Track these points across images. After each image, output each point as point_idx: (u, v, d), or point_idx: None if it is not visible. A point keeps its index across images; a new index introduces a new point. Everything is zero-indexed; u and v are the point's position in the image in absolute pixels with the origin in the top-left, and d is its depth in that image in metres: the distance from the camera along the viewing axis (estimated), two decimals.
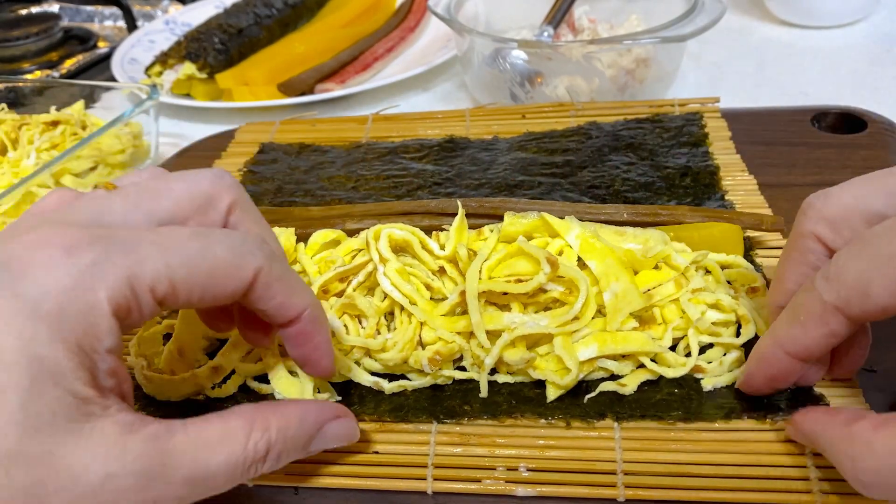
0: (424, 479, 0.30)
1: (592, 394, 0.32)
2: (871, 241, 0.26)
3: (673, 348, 0.34)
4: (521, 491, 0.29)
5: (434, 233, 0.38)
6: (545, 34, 0.66)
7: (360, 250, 0.39)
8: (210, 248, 0.26)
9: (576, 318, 0.33)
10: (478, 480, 0.30)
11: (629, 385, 0.32)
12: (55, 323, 0.23)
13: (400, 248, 0.38)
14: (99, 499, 0.22)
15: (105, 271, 0.24)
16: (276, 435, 0.27)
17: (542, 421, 0.32)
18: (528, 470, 0.30)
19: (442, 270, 0.37)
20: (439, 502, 0.30)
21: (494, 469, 0.30)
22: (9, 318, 0.22)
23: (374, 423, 0.33)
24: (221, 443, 0.25)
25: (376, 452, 0.32)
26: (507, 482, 0.30)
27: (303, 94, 0.72)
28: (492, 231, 0.38)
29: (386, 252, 0.36)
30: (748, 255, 0.39)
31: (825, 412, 0.27)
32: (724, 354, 0.33)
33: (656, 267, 0.36)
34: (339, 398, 0.34)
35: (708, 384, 0.32)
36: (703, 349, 0.34)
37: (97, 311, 0.23)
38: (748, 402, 0.31)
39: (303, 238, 0.42)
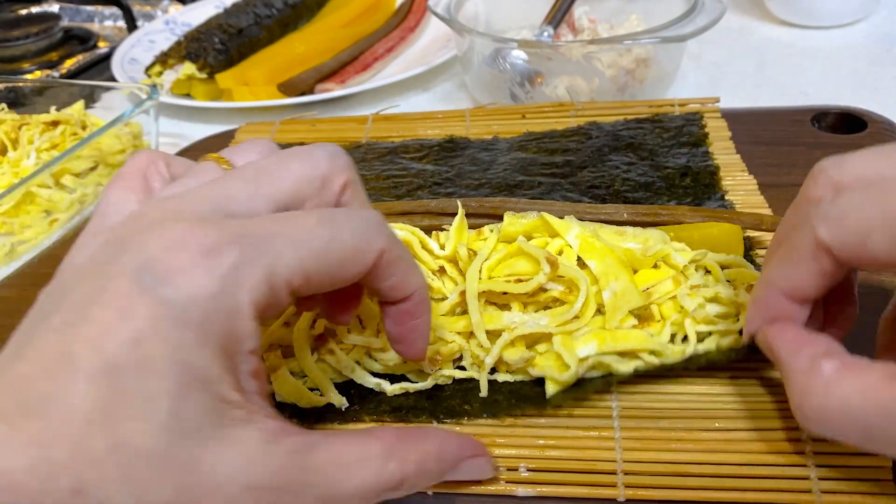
0: None
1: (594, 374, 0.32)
2: (885, 190, 0.25)
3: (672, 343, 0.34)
4: (521, 491, 0.29)
5: (434, 233, 0.38)
6: (545, 34, 0.66)
7: None
8: (338, 236, 0.26)
9: (576, 318, 0.33)
10: (477, 481, 0.30)
11: (623, 369, 0.32)
12: (201, 329, 0.23)
13: None
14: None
15: (245, 274, 0.24)
16: (412, 468, 0.26)
17: (543, 420, 0.32)
18: (528, 470, 0.30)
19: (442, 270, 0.37)
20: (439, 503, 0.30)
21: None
22: (156, 324, 0.22)
23: (374, 423, 0.33)
24: (358, 466, 0.24)
25: None
26: (507, 482, 0.30)
27: (303, 94, 0.72)
28: (492, 231, 0.38)
29: None
30: (748, 255, 0.39)
31: (799, 337, 0.27)
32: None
33: (655, 266, 0.36)
34: (346, 403, 0.34)
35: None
36: (703, 340, 0.34)
37: (240, 314, 0.24)
38: None
39: None
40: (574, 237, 0.35)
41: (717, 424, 0.31)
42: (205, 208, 0.25)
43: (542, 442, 0.31)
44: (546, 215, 0.37)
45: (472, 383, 0.34)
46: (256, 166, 0.28)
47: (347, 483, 0.24)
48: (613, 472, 0.30)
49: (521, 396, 0.33)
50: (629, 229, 0.38)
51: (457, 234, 0.37)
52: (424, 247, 0.37)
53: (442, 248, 0.37)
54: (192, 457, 0.22)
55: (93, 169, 0.60)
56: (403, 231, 0.37)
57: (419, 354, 0.31)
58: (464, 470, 0.28)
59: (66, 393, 0.21)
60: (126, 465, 0.21)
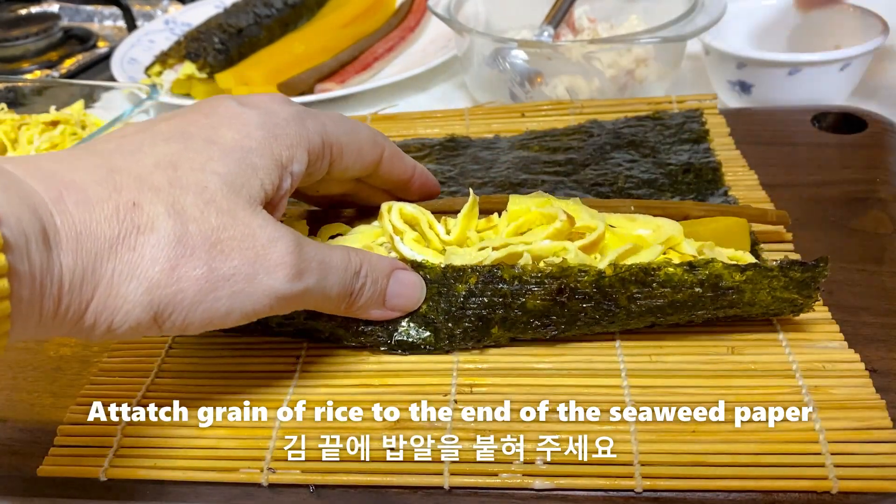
0: (441, 474, 0.30)
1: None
2: None
3: None
4: (538, 483, 0.30)
5: (443, 218, 0.39)
6: (545, 34, 0.67)
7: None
8: (358, 129, 0.36)
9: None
10: (494, 474, 0.30)
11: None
12: (272, 136, 0.31)
13: (409, 224, 0.38)
14: (265, 252, 0.29)
15: (308, 121, 0.33)
16: (363, 256, 0.33)
17: (557, 415, 0.32)
18: (545, 463, 0.30)
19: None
20: (452, 499, 0.30)
21: (511, 463, 0.30)
22: (246, 123, 0.31)
23: (386, 421, 0.33)
24: (331, 249, 0.32)
25: (392, 449, 0.32)
26: (524, 475, 0.30)
27: (303, 94, 0.72)
28: (500, 217, 0.38)
29: (399, 224, 0.37)
30: (754, 251, 0.39)
31: None
32: None
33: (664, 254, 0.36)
34: None
35: None
36: None
37: (302, 141, 0.32)
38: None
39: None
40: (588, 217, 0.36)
41: (731, 414, 0.31)
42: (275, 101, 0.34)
43: (557, 436, 0.31)
44: (552, 197, 0.37)
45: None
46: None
47: (332, 257, 0.32)
48: (630, 464, 0.30)
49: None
50: (640, 216, 0.38)
51: (465, 219, 0.37)
52: (431, 227, 0.38)
53: (448, 233, 0.38)
54: (231, 208, 0.28)
55: None
56: (414, 208, 0.38)
57: (437, 189, 0.42)
58: (403, 279, 0.35)
59: (138, 145, 0.29)
60: (178, 196, 0.27)
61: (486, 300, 0.35)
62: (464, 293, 0.35)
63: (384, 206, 0.38)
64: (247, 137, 0.30)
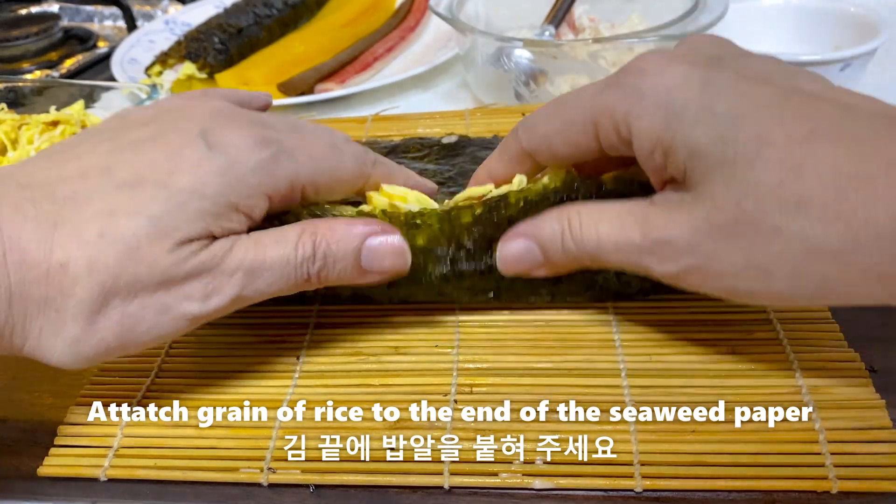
0: (441, 474, 0.30)
1: None
2: (557, 106, 0.33)
3: None
4: (538, 483, 0.30)
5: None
6: (546, 34, 0.67)
7: None
8: (342, 162, 0.34)
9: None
10: (494, 474, 0.30)
11: None
12: (230, 186, 0.30)
13: None
14: (180, 286, 0.29)
15: (279, 167, 0.31)
16: (321, 237, 0.32)
17: (556, 415, 0.32)
18: (545, 462, 0.30)
19: None
20: (452, 498, 0.30)
21: (511, 462, 0.30)
22: (207, 171, 0.29)
23: (386, 421, 0.33)
24: (276, 244, 0.31)
25: (392, 449, 0.32)
26: (524, 475, 0.30)
27: (303, 94, 0.72)
28: None
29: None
30: None
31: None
32: None
33: None
34: None
35: None
36: None
37: (263, 189, 0.31)
38: None
39: None
40: None
41: (731, 414, 0.31)
42: (251, 118, 0.33)
43: (558, 436, 0.31)
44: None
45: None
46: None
47: (267, 254, 0.31)
48: (630, 464, 0.30)
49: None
50: None
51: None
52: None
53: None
54: (156, 250, 0.28)
55: None
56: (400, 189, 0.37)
57: (433, 193, 0.38)
58: (377, 247, 0.33)
59: (90, 193, 0.29)
60: (103, 250, 0.28)
61: (492, 223, 0.35)
62: (469, 221, 0.35)
63: (368, 194, 0.37)
64: (203, 185, 0.29)
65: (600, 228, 0.31)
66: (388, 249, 0.33)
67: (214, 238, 0.30)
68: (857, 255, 0.24)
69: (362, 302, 0.39)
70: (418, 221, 0.35)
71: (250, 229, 0.32)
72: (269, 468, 0.31)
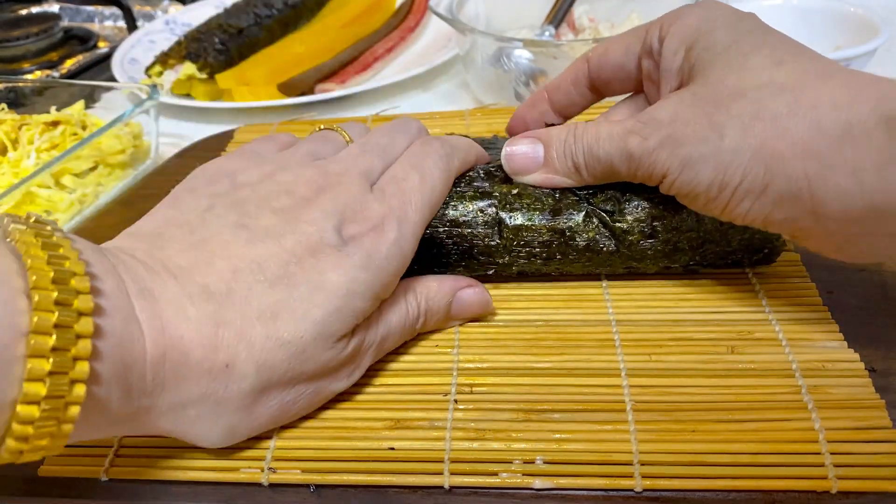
0: (441, 473, 0.30)
1: None
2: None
3: None
4: (538, 483, 0.30)
5: None
6: (546, 34, 0.67)
7: None
8: (431, 181, 0.36)
9: None
10: (494, 474, 0.30)
11: None
12: (375, 279, 0.32)
13: None
14: (331, 377, 0.33)
15: (403, 243, 0.34)
16: (421, 296, 0.36)
17: (557, 415, 0.32)
18: (545, 462, 0.30)
19: None
20: (452, 498, 0.30)
21: (511, 462, 0.30)
22: (351, 266, 0.31)
23: (387, 420, 0.33)
24: (394, 313, 0.35)
25: (392, 449, 0.32)
26: (524, 475, 0.30)
27: (303, 94, 0.72)
28: None
29: None
30: None
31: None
32: None
33: None
34: None
35: None
36: None
37: (399, 272, 0.34)
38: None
39: None
40: None
41: (729, 415, 0.31)
42: (362, 177, 0.35)
43: (558, 436, 0.31)
44: None
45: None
46: (379, 143, 0.38)
47: (392, 321, 0.35)
48: (630, 464, 0.30)
49: None
50: None
51: None
52: None
53: None
54: (317, 350, 0.31)
55: (93, 169, 0.60)
56: None
57: None
58: (465, 299, 0.37)
59: (247, 292, 0.30)
60: (270, 352, 0.29)
61: None
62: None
63: None
64: (352, 282, 0.31)
65: (600, 127, 0.35)
66: (474, 299, 0.38)
67: (357, 327, 0.32)
68: (790, 121, 0.29)
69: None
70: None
71: None
72: (270, 468, 0.31)
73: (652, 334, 0.36)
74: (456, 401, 0.33)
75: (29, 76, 0.87)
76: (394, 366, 0.36)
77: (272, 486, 0.31)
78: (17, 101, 0.69)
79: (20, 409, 0.23)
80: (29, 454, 0.24)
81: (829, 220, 0.29)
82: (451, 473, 0.30)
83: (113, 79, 0.79)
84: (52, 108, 0.65)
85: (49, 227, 0.27)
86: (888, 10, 0.60)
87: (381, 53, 0.79)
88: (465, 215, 0.37)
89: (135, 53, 0.85)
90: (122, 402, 0.26)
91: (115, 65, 0.81)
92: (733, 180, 0.30)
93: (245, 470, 0.31)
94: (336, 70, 0.76)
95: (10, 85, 0.70)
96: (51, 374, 0.23)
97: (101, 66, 0.90)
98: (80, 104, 0.67)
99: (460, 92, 0.74)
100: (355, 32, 0.81)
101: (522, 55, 0.61)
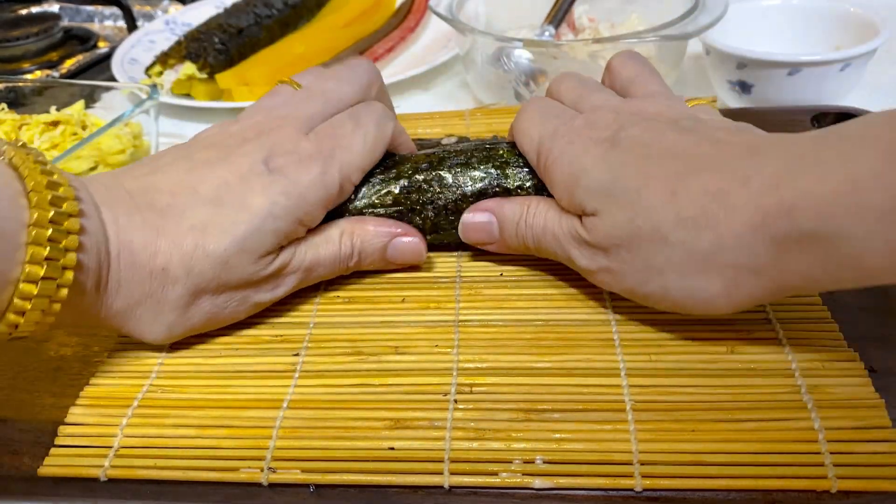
0: (441, 473, 0.30)
1: None
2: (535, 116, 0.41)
3: None
4: (538, 483, 0.30)
5: None
6: (546, 34, 0.67)
7: None
8: (370, 132, 0.40)
9: None
10: (494, 474, 0.30)
11: None
12: (295, 205, 0.37)
13: None
14: (257, 285, 0.38)
15: (328, 175, 0.38)
16: (356, 237, 0.39)
17: (557, 415, 0.32)
18: (545, 462, 0.30)
19: None
20: (452, 498, 0.30)
21: (511, 462, 0.30)
22: (273, 192, 0.36)
23: (387, 420, 0.33)
24: (325, 244, 0.39)
25: (392, 449, 0.32)
26: (524, 475, 0.30)
27: None
28: None
29: None
30: None
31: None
32: None
33: None
34: None
35: None
36: None
37: (322, 202, 0.38)
38: None
39: None
40: None
41: (729, 416, 0.31)
42: (304, 123, 0.40)
43: (557, 435, 0.31)
44: None
45: None
46: (323, 88, 0.42)
47: (321, 253, 0.39)
48: (630, 463, 0.30)
49: None
50: None
51: None
52: None
53: None
54: (240, 262, 0.35)
55: (93, 169, 0.60)
56: None
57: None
58: (400, 246, 0.40)
59: (183, 207, 0.35)
60: (197, 260, 0.34)
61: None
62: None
63: None
64: (273, 205, 0.36)
65: (547, 217, 0.37)
66: (408, 248, 0.40)
67: (282, 248, 0.37)
68: (725, 255, 0.30)
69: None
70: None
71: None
72: (270, 468, 0.31)
73: (652, 334, 0.36)
74: (456, 401, 0.34)
75: (29, 76, 0.87)
76: (393, 366, 0.36)
77: (272, 486, 0.31)
78: (17, 101, 0.69)
79: (22, 286, 0.29)
80: (24, 327, 0.30)
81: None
82: (451, 473, 0.30)
83: (113, 79, 0.79)
84: (52, 108, 0.65)
85: (33, 150, 0.33)
86: (888, 10, 0.60)
87: (381, 53, 0.79)
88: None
89: (135, 53, 0.85)
90: (93, 295, 0.33)
91: (115, 65, 0.81)
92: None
93: (245, 470, 0.31)
94: None
95: (10, 85, 0.70)
96: (47, 259, 0.29)
97: (101, 66, 0.90)
98: (80, 104, 0.67)
99: (460, 92, 0.74)
100: (355, 32, 0.81)
101: (522, 55, 0.61)
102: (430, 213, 0.41)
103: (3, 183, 0.30)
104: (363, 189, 0.41)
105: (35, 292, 0.29)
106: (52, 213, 0.30)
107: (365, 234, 0.40)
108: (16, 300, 0.29)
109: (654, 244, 0.32)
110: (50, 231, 0.30)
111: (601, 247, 0.34)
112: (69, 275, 0.30)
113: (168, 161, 0.38)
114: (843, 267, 0.27)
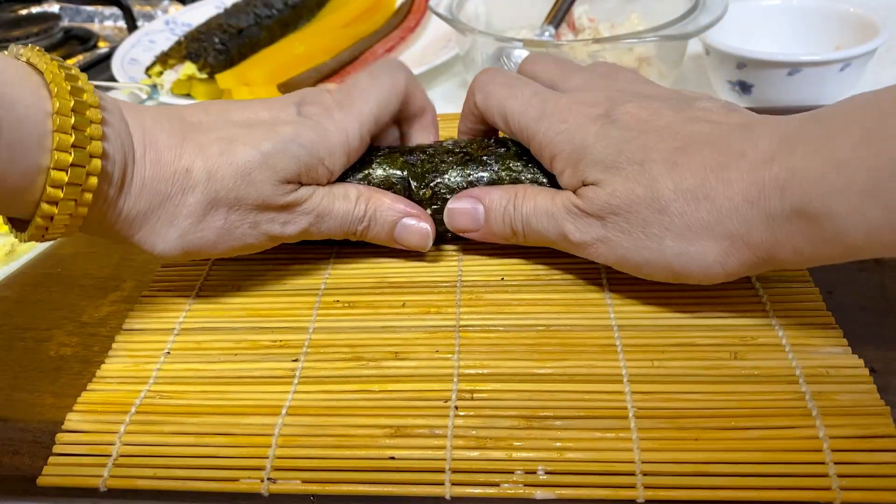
0: (442, 483, 0.30)
1: None
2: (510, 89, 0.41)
3: None
4: (539, 494, 0.29)
5: None
6: (546, 34, 0.66)
7: None
8: (384, 83, 0.42)
9: None
10: (496, 484, 0.30)
11: None
12: (319, 140, 0.38)
13: None
14: (271, 210, 0.38)
15: (349, 130, 0.39)
16: (372, 203, 0.40)
17: (559, 423, 0.32)
18: (547, 473, 0.30)
19: None
20: None
21: (512, 473, 0.30)
22: (302, 126, 0.38)
23: (387, 428, 0.33)
24: (343, 199, 0.40)
25: (392, 458, 0.31)
26: (525, 485, 0.30)
27: None
28: None
29: None
30: None
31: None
32: None
33: None
34: None
35: None
36: None
37: (342, 148, 0.39)
38: None
39: None
40: None
41: (733, 424, 0.31)
42: (326, 90, 0.42)
43: (559, 444, 0.31)
44: None
45: None
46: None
47: (335, 206, 0.40)
48: (632, 474, 0.30)
49: None
50: None
51: None
52: None
53: None
54: (262, 179, 0.37)
55: None
56: None
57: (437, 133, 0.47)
58: (409, 227, 0.41)
59: (212, 123, 0.38)
60: (221, 165, 0.36)
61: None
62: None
63: None
64: (299, 135, 0.37)
65: (537, 199, 0.38)
66: (416, 231, 0.41)
67: (301, 184, 0.38)
68: (723, 225, 0.31)
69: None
70: None
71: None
72: (270, 478, 0.31)
73: (654, 339, 0.36)
74: (457, 407, 0.33)
75: None
76: (394, 371, 0.36)
77: (272, 496, 0.31)
78: None
79: (53, 174, 0.31)
80: (58, 221, 0.32)
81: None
82: (453, 484, 0.30)
83: (113, 79, 0.79)
84: None
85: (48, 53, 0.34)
86: (888, 10, 0.60)
87: (381, 53, 0.79)
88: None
89: (135, 53, 0.84)
90: (116, 193, 0.34)
91: (115, 65, 0.81)
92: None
93: (245, 480, 0.31)
94: (336, 70, 0.75)
95: None
96: (73, 146, 0.31)
97: (101, 66, 0.90)
98: None
99: (460, 92, 0.73)
100: (355, 32, 0.81)
101: (522, 55, 0.61)
102: (437, 183, 0.42)
103: (24, 75, 0.31)
104: (372, 156, 0.43)
105: (66, 179, 0.31)
106: (73, 103, 0.31)
107: (380, 203, 0.40)
108: (48, 188, 0.31)
109: (652, 212, 0.33)
110: (73, 119, 0.31)
111: (598, 215, 0.35)
112: (97, 163, 0.32)
113: (203, 106, 0.40)
114: (828, 242, 0.29)
